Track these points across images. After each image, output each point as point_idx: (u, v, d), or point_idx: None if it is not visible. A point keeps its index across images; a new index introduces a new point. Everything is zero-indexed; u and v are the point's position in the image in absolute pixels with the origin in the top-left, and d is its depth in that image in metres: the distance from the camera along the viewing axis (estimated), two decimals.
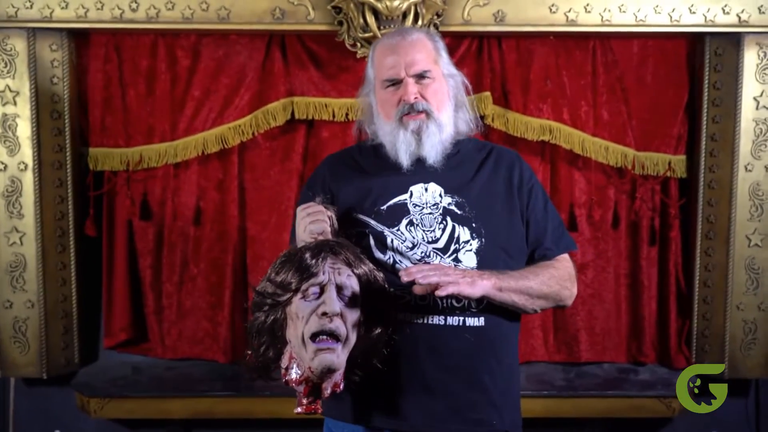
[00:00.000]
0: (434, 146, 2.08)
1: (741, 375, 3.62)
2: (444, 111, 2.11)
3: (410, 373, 1.99)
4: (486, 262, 2.02)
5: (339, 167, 2.19)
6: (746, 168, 3.52)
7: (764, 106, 3.48)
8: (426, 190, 2.08)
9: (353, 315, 1.80)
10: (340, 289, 1.78)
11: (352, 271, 1.82)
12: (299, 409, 1.80)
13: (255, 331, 1.84)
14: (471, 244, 2.03)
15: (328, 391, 1.78)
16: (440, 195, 2.07)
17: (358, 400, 2.01)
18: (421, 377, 1.99)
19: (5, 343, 3.54)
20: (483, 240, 2.04)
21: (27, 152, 3.47)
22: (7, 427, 3.76)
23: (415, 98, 2.07)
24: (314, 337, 1.73)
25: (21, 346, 3.54)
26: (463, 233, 2.04)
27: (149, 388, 3.56)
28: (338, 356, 1.74)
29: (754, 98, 3.49)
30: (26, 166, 3.47)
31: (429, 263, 1.98)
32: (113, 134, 3.61)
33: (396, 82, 2.09)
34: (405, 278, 1.83)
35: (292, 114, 3.57)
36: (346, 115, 3.55)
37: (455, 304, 2.00)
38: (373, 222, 2.05)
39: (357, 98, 2.29)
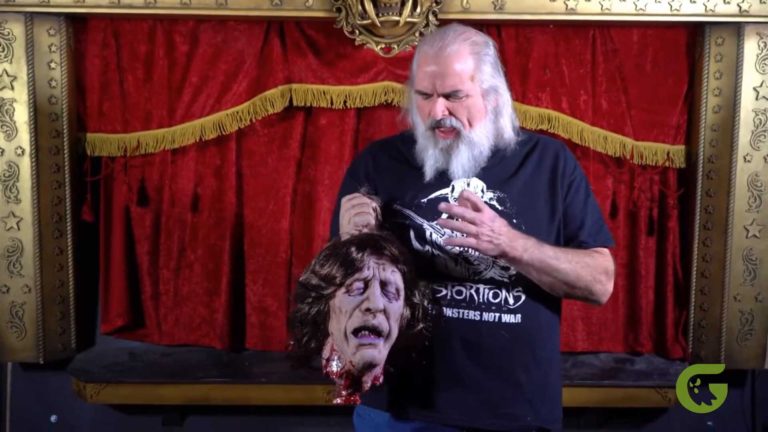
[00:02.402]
0: (462, 164, 2.04)
1: (737, 366, 3.62)
2: (478, 126, 2.04)
3: (444, 367, 2.00)
4: None
5: (382, 156, 2.19)
6: (745, 158, 3.51)
7: (764, 97, 3.47)
8: (468, 185, 2.07)
9: (396, 310, 1.81)
10: (384, 284, 1.80)
11: (397, 267, 1.83)
12: (339, 400, 1.81)
13: (298, 321, 1.86)
14: None
15: (368, 384, 1.80)
16: (482, 190, 2.06)
17: (392, 390, 2.03)
18: (455, 371, 2.01)
19: (2, 328, 3.54)
20: None
21: (24, 137, 3.46)
22: (3, 411, 3.77)
23: (443, 115, 2.01)
24: (356, 332, 1.75)
25: (18, 331, 3.55)
26: None
27: (145, 374, 3.57)
28: (380, 352, 1.76)
29: (754, 88, 3.47)
30: (23, 151, 3.46)
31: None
32: (111, 120, 3.60)
33: (428, 95, 2.03)
34: (443, 209, 1.91)
35: (290, 101, 3.56)
36: (344, 102, 3.54)
37: (492, 300, 2.01)
38: (413, 214, 2.05)
39: (405, 85, 2.22)
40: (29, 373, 3.74)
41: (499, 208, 2.04)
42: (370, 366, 1.76)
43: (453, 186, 2.07)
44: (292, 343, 1.89)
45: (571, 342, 3.73)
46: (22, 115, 3.45)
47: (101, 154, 3.62)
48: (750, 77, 3.46)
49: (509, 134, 2.11)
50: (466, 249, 1.99)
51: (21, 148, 3.46)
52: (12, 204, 3.48)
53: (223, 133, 3.57)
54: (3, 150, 3.46)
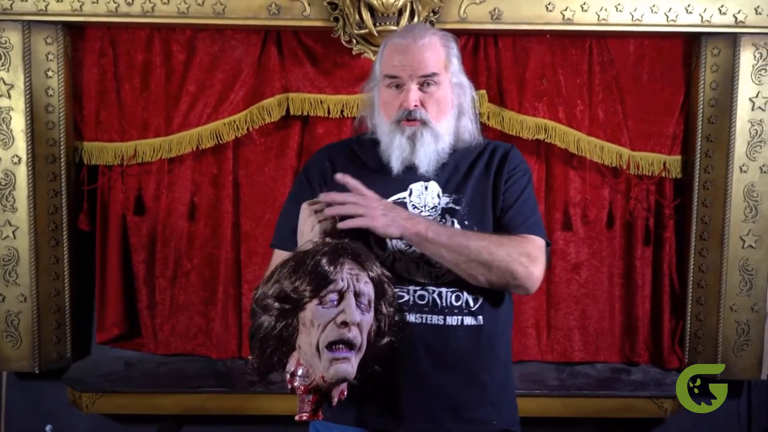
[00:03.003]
0: (427, 155, 2.04)
1: (734, 376, 3.61)
2: (443, 120, 2.07)
3: (408, 374, 1.97)
4: None
5: (339, 159, 2.14)
6: (741, 169, 3.51)
7: (760, 107, 3.48)
8: (426, 188, 2.06)
9: (368, 323, 1.76)
10: (357, 296, 1.73)
11: (368, 276, 1.77)
12: (304, 417, 1.74)
13: (261, 335, 1.77)
14: None
15: (335, 399, 1.74)
16: (438, 195, 2.05)
17: (355, 401, 1.96)
18: (419, 377, 1.98)
19: None
20: None
21: (21, 145, 3.45)
22: None
23: (415, 105, 2.02)
24: (330, 345, 1.69)
25: (13, 340, 3.53)
26: None
27: (141, 383, 3.56)
28: (353, 366, 1.70)
29: (750, 99, 3.48)
30: (20, 160, 3.46)
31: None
32: (108, 128, 3.60)
33: (399, 84, 2.04)
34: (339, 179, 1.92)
35: (287, 110, 3.57)
36: (341, 111, 3.54)
37: (454, 303, 1.99)
38: None
39: (361, 91, 2.25)
40: (24, 382, 3.73)
41: (456, 208, 2.04)
42: (343, 380, 1.71)
43: (411, 189, 2.06)
44: (251, 357, 1.81)
45: (567, 352, 3.73)
46: (18, 123, 3.45)
47: (98, 163, 3.62)
48: (746, 88, 3.48)
49: (467, 136, 2.13)
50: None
51: (17, 156, 3.46)
52: (8, 213, 3.47)
53: (220, 142, 3.57)
54: None
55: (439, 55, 2.06)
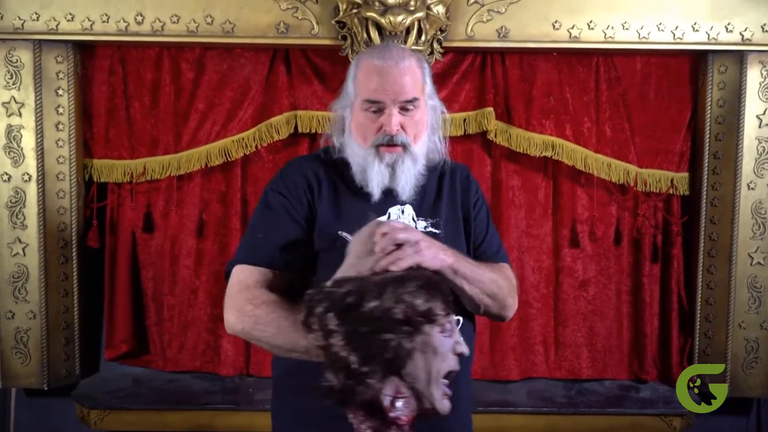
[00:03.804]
0: (408, 180, 2.01)
1: (742, 394, 3.60)
2: (419, 142, 2.03)
3: None
4: None
5: (314, 178, 2.05)
6: (749, 186, 3.52)
7: (767, 125, 3.49)
8: (402, 212, 2.03)
9: None
10: None
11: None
12: None
13: (376, 352, 1.56)
14: None
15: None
16: (413, 219, 2.03)
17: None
18: None
19: (6, 354, 3.54)
20: None
21: (31, 163, 3.48)
22: None
23: (397, 130, 1.98)
24: (446, 376, 1.60)
25: (22, 357, 3.55)
26: None
27: (150, 400, 3.56)
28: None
29: (757, 116, 3.49)
30: (30, 177, 3.48)
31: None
32: (117, 146, 3.63)
33: (380, 108, 1.97)
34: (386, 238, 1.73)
35: (296, 127, 3.58)
36: None
37: None
38: None
39: (330, 110, 2.17)
40: (33, 399, 3.74)
41: (436, 232, 2.02)
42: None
43: (389, 213, 2.02)
44: (332, 379, 1.59)
45: (575, 369, 3.72)
46: (29, 141, 3.47)
47: (107, 180, 3.64)
48: (753, 105, 3.48)
49: (433, 155, 2.10)
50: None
51: (28, 174, 3.48)
52: (18, 230, 3.50)
53: (229, 159, 3.59)
54: (10, 176, 3.48)
55: (418, 79, 2.01)
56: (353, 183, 2.04)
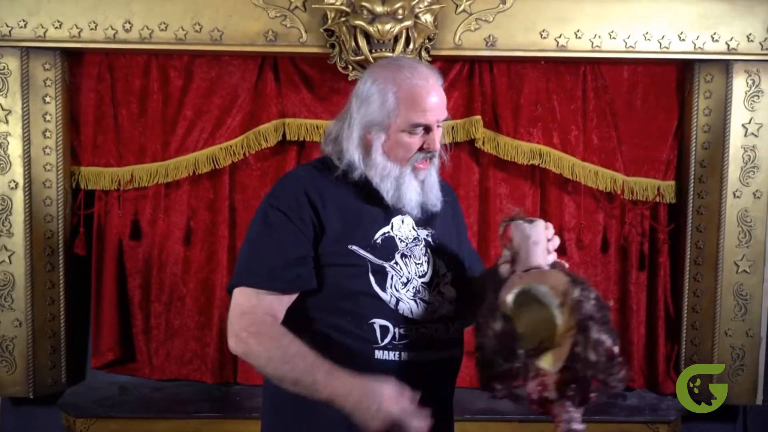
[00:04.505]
0: (436, 194, 2.03)
1: (729, 401, 3.60)
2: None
3: None
4: (461, 293, 2.04)
5: (315, 192, 1.97)
6: (735, 194, 3.54)
7: (752, 133, 3.51)
8: (403, 222, 2.02)
9: None
10: None
11: None
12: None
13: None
14: (447, 276, 2.03)
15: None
16: (413, 228, 2.03)
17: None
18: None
19: None
20: (452, 271, 2.04)
21: (18, 170, 3.47)
22: None
23: (438, 147, 2.01)
24: None
25: (8, 365, 3.52)
26: (441, 266, 2.03)
27: (136, 408, 3.55)
28: None
29: (743, 125, 3.51)
30: (17, 185, 3.47)
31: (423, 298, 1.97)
32: (105, 153, 3.62)
33: (426, 129, 1.96)
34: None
35: (284, 135, 3.58)
36: None
37: (445, 336, 1.99)
38: (370, 256, 1.94)
39: (350, 126, 2.02)
40: (19, 407, 3.71)
41: (433, 244, 2.03)
42: None
43: (392, 224, 2.00)
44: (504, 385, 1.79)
45: None
46: (16, 148, 3.46)
47: (95, 188, 3.63)
48: (739, 114, 3.51)
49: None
50: (418, 289, 1.97)
51: (14, 181, 3.47)
52: (4, 237, 3.48)
53: (217, 167, 3.59)
54: None
55: (445, 98, 2.02)
56: (360, 191, 2.00)
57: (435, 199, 2.03)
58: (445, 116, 2.00)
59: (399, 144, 1.97)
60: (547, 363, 1.77)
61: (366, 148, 2.00)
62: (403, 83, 1.95)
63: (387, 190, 1.99)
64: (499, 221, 2.06)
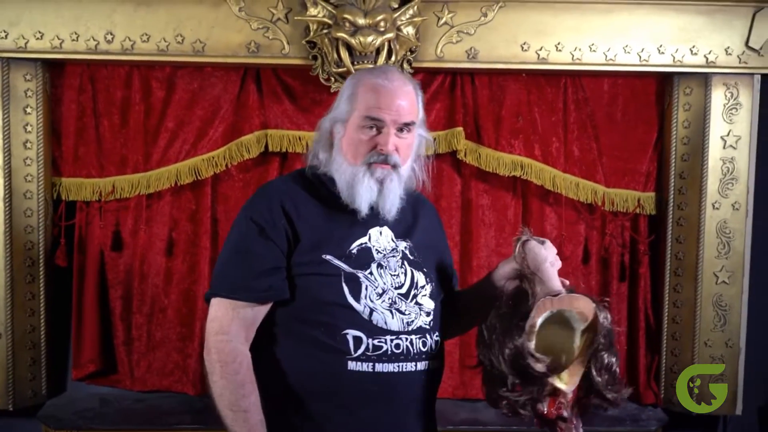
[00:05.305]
0: (394, 199, 2.02)
1: (709, 411, 3.64)
2: (406, 165, 2.05)
3: (387, 424, 1.97)
4: (437, 305, 2.05)
5: (290, 202, 2.01)
6: (714, 206, 3.57)
7: (731, 146, 3.55)
8: (381, 234, 2.04)
9: None
10: None
11: None
12: None
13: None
14: (426, 289, 2.04)
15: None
16: (392, 239, 2.04)
17: None
18: (395, 427, 1.98)
19: None
20: (432, 284, 2.06)
21: None
22: None
23: (392, 150, 1.98)
24: None
25: None
26: (420, 278, 2.04)
27: (117, 420, 3.53)
28: None
29: (722, 137, 3.55)
30: None
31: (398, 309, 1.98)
32: (86, 164, 3.61)
33: (378, 127, 1.98)
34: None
35: (266, 146, 3.58)
36: None
37: (422, 348, 1.99)
38: (344, 266, 1.95)
39: (318, 126, 2.11)
40: None
41: (410, 257, 2.05)
42: None
43: (370, 234, 2.02)
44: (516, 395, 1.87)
45: None
46: None
47: (76, 199, 3.62)
48: (717, 126, 3.54)
49: (411, 182, 2.12)
50: (394, 300, 1.97)
51: None
52: None
53: (199, 178, 3.58)
54: None
55: (414, 105, 2.03)
56: (338, 201, 2.02)
57: (390, 206, 2.02)
58: (409, 121, 2.00)
59: (353, 139, 2.01)
60: (562, 382, 1.84)
61: (331, 145, 2.05)
62: (368, 81, 2.02)
63: (341, 188, 2.01)
64: (512, 239, 2.09)
